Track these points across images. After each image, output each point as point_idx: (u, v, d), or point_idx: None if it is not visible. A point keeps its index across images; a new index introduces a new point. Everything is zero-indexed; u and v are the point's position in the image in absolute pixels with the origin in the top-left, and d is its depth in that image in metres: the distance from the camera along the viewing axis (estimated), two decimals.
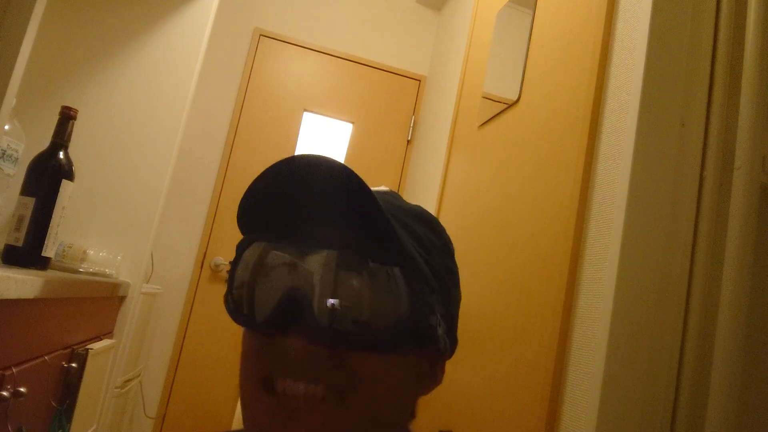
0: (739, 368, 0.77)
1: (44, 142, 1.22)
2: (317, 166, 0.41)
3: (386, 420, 0.44)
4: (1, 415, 0.90)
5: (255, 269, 0.44)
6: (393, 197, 0.50)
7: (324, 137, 2.72)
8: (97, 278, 1.43)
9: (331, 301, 0.40)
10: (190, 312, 2.47)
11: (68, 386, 1.23)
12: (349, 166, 0.41)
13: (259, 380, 0.42)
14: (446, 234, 0.52)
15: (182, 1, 1.82)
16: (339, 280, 0.40)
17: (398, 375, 0.44)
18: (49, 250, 1.20)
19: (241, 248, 0.46)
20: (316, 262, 0.41)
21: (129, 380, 1.91)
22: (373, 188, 0.48)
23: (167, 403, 2.40)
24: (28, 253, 1.16)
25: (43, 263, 1.19)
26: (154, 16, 1.80)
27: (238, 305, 0.45)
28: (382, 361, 0.42)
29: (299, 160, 0.41)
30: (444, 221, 1.85)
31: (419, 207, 0.51)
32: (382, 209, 0.40)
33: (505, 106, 1.54)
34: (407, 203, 0.50)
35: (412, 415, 0.49)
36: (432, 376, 0.49)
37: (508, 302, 1.27)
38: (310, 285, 0.41)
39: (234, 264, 0.46)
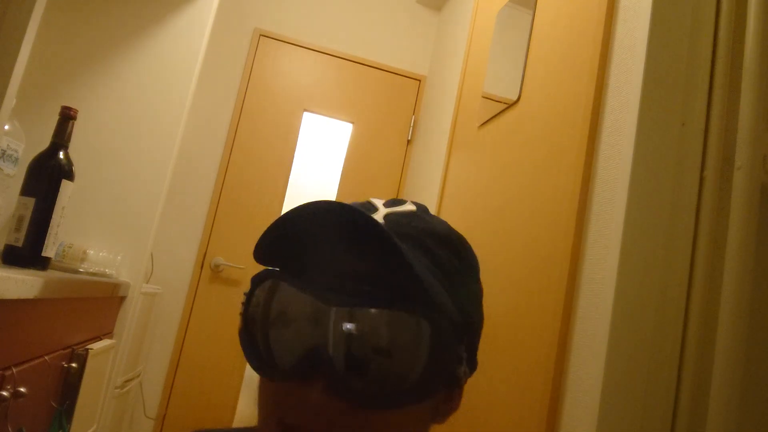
0: (740, 368, 0.77)
1: (44, 142, 1.21)
2: (336, 212, 0.40)
3: None
4: (1, 415, 0.90)
5: (274, 315, 0.42)
6: (417, 219, 0.46)
7: (324, 137, 2.72)
8: (97, 278, 1.43)
9: (353, 354, 0.39)
10: (190, 312, 2.47)
11: (68, 386, 1.23)
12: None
13: (278, 424, 0.41)
14: (472, 253, 0.49)
15: (182, 1, 1.82)
16: (362, 334, 0.39)
17: (418, 417, 0.43)
18: (49, 250, 1.20)
19: (256, 282, 0.44)
20: (337, 315, 0.39)
21: (129, 380, 1.91)
22: (400, 207, 0.47)
23: (167, 404, 2.40)
24: (28, 253, 1.16)
25: (43, 263, 1.19)
26: (154, 16, 1.80)
27: (255, 349, 0.43)
28: (404, 412, 0.41)
29: (320, 203, 0.40)
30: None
31: (445, 226, 0.48)
32: (410, 263, 0.38)
33: (505, 106, 1.54)
34: (432, 221, 0.47)
35: None
36: (449, 403, 0.47)
37: (508, 302, 1.27)
38: (332, 340, 0.39)
39: (249, 296, 0.44)
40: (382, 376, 0.39)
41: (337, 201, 0.40)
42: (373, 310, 0.39)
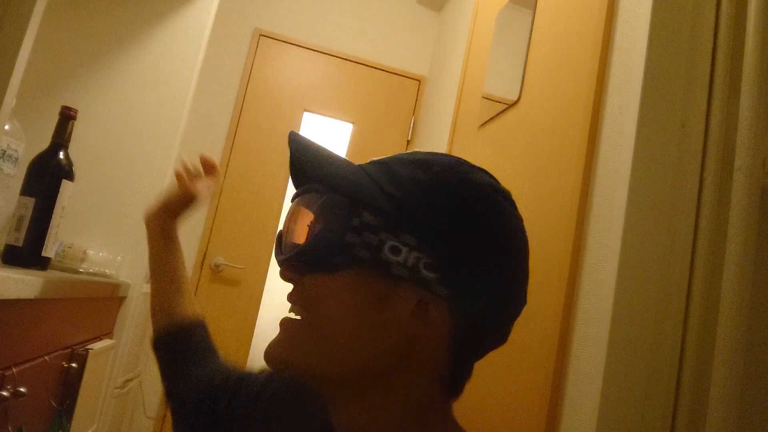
0: (740, 369, 0.77)
1: (44, 142, 1.21)
2: (295, 142, 0.56)
3: (341, 338, 0.48)
4: (1, 415, 0.90)
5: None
6: (415, 153, 0.56)
7: (324, 137, 2.72)
8: (97, 278, 1.43)
9: (288, 233, 0.52)
10: None
11: (68, 386, 1.23)
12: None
13: None
14: (449, 172, 0.52)
15: (182, 1, 1.82)
16: (290, 217, 0.53)
17: (342, 294, 0.48)
18: (49, 250, 1.20)
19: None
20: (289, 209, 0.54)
21: (129, 380, 1.91)
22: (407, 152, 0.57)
23: (167, 404, 2.40)
24: (28, 253, 1.15)
25: (43, 263, 1.19)
26: (154, 16, 1.80)
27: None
28: (322, 281, 0.49)
29: (296, 141, 0.56)
30: None
31: (423, 153, 0.55)
32: (317, 160, 0.53)
33: (505, 106, 1.54)
34: (427, 155, 0.54)
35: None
36: (422, 316, 0.47)
37: None
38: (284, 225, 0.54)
39: None
40: (293, 245, 0.50)
41: (301, 135, 0.55)
42: (298, 198, 0.53)
